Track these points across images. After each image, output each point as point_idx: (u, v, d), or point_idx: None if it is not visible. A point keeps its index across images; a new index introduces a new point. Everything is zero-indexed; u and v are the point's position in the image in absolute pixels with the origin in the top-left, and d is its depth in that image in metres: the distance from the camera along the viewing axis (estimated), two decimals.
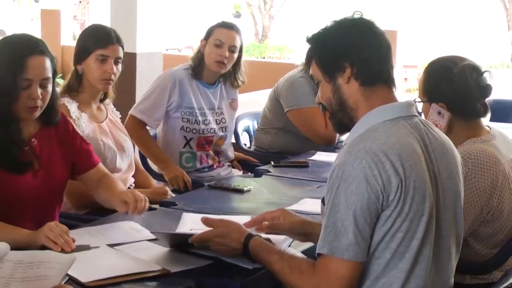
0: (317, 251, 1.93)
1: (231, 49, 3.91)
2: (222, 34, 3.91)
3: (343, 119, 2.10)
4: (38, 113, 2.61)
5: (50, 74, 2.59)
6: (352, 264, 1.89)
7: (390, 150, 1.92)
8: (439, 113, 2.71)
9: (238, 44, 3.94)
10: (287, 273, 2.00)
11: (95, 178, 2.83)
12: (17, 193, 2.56)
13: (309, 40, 2.11)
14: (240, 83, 4.10)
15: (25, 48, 2.56)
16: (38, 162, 2.65)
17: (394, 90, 2.10)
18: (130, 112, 3.94)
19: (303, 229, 2.35)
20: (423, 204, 1.94)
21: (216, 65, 3.92)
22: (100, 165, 2.89)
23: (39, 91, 2.55)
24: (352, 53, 2.03)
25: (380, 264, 1.95)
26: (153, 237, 2.49)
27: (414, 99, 2.87)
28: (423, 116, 2.81)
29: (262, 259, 2.09)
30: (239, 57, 3.99)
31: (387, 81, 2.07)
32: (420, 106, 2.82)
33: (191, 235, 2.27)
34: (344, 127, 2.11)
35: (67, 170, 2.78)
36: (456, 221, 2.10)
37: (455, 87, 2.68)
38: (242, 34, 4.03)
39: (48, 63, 2.58)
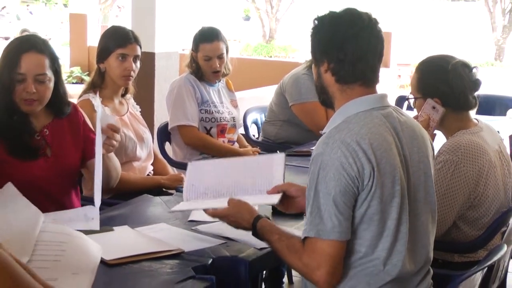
0: (305, 235, 1.94)
1: (220, 57, 3.95)
2: (206, 49, 3.94)
3: (326, 99, 2.12)
4: (36, 106, 2.61)
5: (46, 71, 2.57)
6: (335, 243, 1.90)
7: (362, 140, 1.92)
8: (434, 107, 2.69)
9: (223, 50, 3.97)
10: (285, 252, 2.01)
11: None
12: (30, 178, 2.56)
13: (313, 21, 2.10)
14: (227, 71, 4.09)
15: (21, 45, 2.58)
16: (50, 149, 2.66)
17: (374, 85, 2.08)
18: (176, 124, 3.93)
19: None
20: (393, 187, 1.94)
21: (213, 75, 3.99)
22: None
23: (34, 86, 2.55)
24: (331, 52, 2.03)
25: (363, 245, 1.96)
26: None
27: (407, 97, 2.86)
28: (415, 111, 2.80)
29: (266, 238, 2.10)
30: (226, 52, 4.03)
31: (364, 81, 2.05)
32: (412, 102, 2.82)
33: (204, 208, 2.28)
34: (329, 105, 2.13)
35: (78, 157, 2.76)
36: (429, 200, 2.10)
37: (450, 83, 2.68)
38: (225, 36, 4.06)
39: (46, 61, 2.58)
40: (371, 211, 1.93)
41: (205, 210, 2.27)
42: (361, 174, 1.90)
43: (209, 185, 2.41)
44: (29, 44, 2.57)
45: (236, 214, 2.19)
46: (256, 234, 2.13)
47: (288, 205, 2.34)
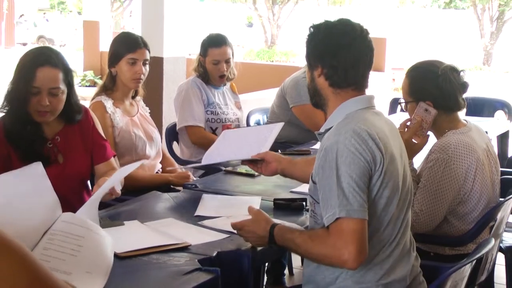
0: (335, 217, 1.88)
1: (226, 61, 3.95)
2: (215, 54, 3.94)
3: (318, 101, 2.15)
4: (49, 117, 2.60)
5: (59, 85, 2.56)
6: (361, 222, 1.88)
7: (370, 131, 1.95)
8: (426, 110, 2.69)
9: (230, 55, 3.98)
10: (309, 242, 1.97)
11: (104, 170, 2.78)
12: None
13: (309, 28, 2.12)
14: (232, 76, 4.09)
15: (36, 59, 2.55)
16: (62, 156, 2.65)
17: (364, 89, 2.10)
18: (184, 125, 3.91)
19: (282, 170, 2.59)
20: (397, 176, 1.97)
21: (219, 79, 3.99)
22: (112, 160, 2.83)
23: (48, 98, 2.53)
24: (324, 59, 2.06)
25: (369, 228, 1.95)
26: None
27: (399, 101, 2.86)
28: (407, 115, 2.80)
29: (286, 238, 2.04)
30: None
31: (355, 86, 2.07)
32: (403, 105, 2.81)
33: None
34: (320, 107, 2.16)
35: (89, 161, 2.76)
36: (409, 187, 2.11)
37: (441, 86, 2.68)
38: (233, 43, 4.07)
39: (60, 75, 2.56)
40: (378, 196, 1.95)
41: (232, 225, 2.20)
42: (373, 159, 1.92)
43: (220, 148, 2.92)
44: (44, 58, 2.55)
45: (253, 223, 2.14)
46: (273, 239, 2.08)
47: (263, 168, 2.61)
